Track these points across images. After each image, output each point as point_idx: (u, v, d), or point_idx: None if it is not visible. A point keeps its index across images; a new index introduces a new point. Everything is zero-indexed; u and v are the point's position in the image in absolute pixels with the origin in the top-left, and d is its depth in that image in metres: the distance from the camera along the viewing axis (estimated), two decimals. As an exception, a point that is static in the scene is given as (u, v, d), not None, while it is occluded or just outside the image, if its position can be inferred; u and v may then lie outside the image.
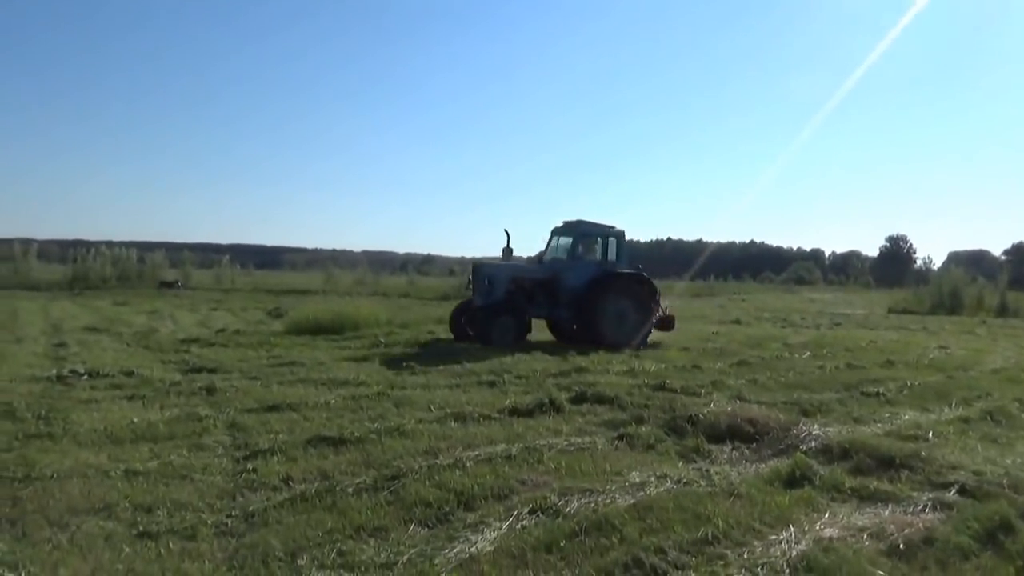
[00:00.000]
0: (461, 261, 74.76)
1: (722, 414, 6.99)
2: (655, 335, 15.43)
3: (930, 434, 6.74)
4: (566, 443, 6.12)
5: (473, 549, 3.86)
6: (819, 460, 5.74)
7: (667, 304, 16.18)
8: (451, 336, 15.01)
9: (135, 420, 6.59)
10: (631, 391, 8.49)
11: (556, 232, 15.53)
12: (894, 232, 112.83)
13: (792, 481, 5.17)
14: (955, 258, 78.24)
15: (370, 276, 44.54)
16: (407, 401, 7.80)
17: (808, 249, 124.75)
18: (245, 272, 49.74)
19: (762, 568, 3.65)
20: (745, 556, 3.82)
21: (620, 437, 6.39)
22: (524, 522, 4.28)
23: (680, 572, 3.65)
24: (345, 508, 4.46)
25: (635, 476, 5.21)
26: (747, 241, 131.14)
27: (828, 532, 4.18)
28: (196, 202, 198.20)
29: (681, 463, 5.74)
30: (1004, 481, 5.15)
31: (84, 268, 35.89)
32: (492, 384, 9.08)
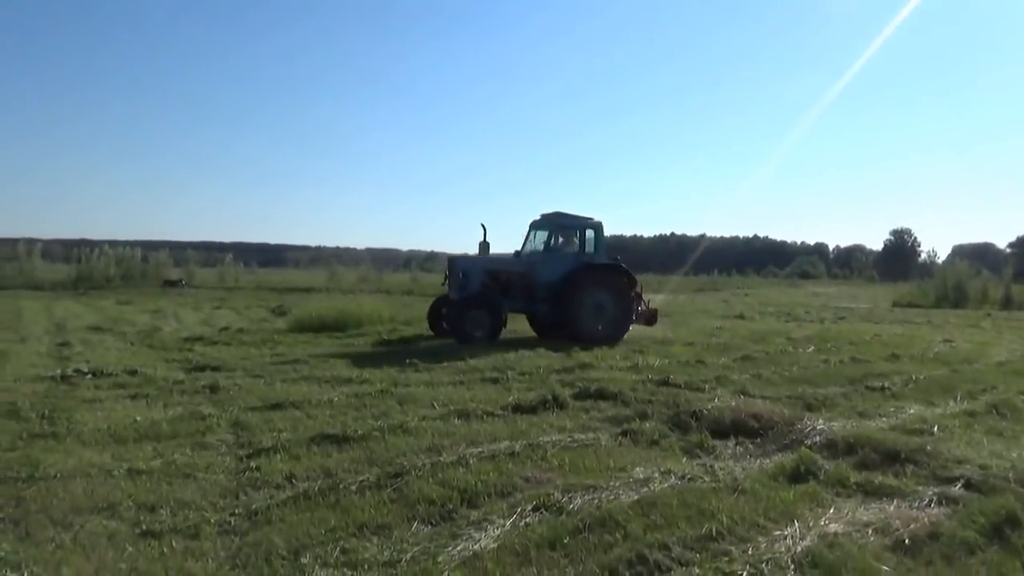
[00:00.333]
0: (464, 258, 74.51)
1: (726, 409, 6.96)
2: (637, 330, 15.30)
3: (935, 428, 6.71)
4: (570, 439, 6.10)
5: (477, 546, 3.85)
6: (823, 455, 5.72)
7: (649, 298, 16.15)
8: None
9: (138, 419, 6.60)
10: (635, 387, 8.47)
11: (534, 225, 15.29)
12: (898, 226, 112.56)
13: (796, 476, 5.16)
14: (959, 251, 78.07)
15: (373, 273, 44.62)
16: (410, 398, 7.79)
17: (812, 243, 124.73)
18: (248, 270, 49.77)
19: (767, 564, 3.63)
20: (749, 552, 3.80)
21: (624, 433, 6.37)
22: (528, 519, 4.27)
23: (684, 569, 3.63)
24: (348, 506, 4.45)
25: (639, 472, 5.19)
26: (751, 236, 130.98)
27: (833, 527, 4.16)
28: (199, 201, 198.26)
29: (685, 459, 5.72)
30: (1010, 475, 5.11)
31: (88, 267, 35.99)
32: (495, 381, 9.07)
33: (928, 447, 5.78)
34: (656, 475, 5.12)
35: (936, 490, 4.86)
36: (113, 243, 39.51)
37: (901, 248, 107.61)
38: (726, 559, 3.72)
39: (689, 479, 5.09)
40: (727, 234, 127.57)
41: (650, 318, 15.56)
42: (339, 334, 14.86)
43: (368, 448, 5.75)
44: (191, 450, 5.70)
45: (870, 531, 4.13)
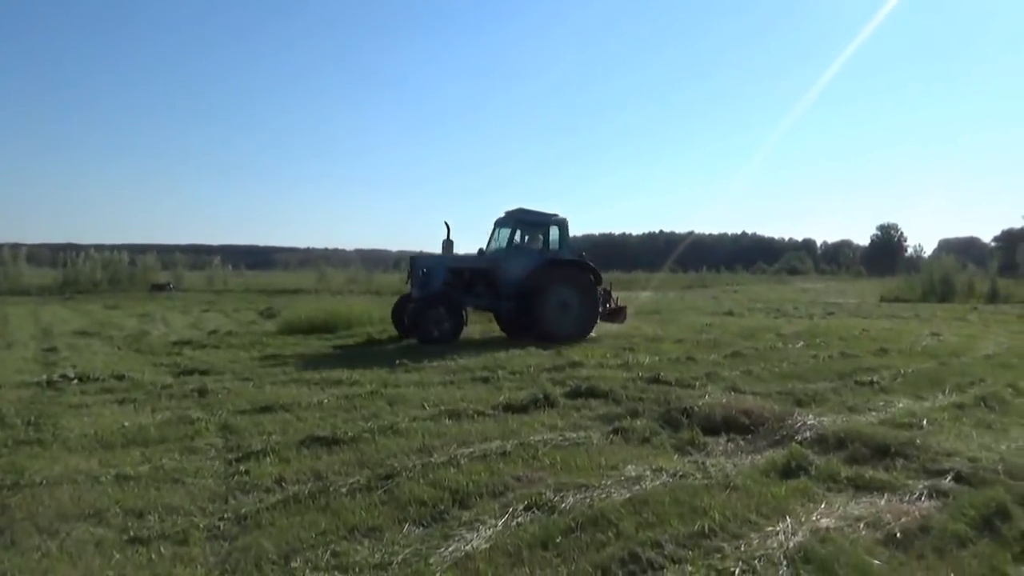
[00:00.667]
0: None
1: (717, 406, 6.97)
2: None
3: (924, 421, 6.74)
4: (561, 438, 6.09)
5: (468, 547, 3.83)
6: (814, 450, 5.73)
7: (618, 295, 16.12)
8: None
9: (126, 424, 6.53)
10: (625, 384, 8.47)
11: (498, 223, 15.11)
12: (885, 221, 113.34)
13: (788, 472, 5.16)
14: (945, 245, 78.85)
15: (363, 274, 44.42)
16: (400, 399, 7.76)
17: (800, 239, 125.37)
18: (237, 273, 49.54)
19: (759, 560, 3.63)
20: (742, 548, 3.80)
21: (615, 431, 6.36)
22: (519, 519, 4.25)
23: (677, 566, 3.63)
24: (339, 508, 4.42)
25: (630, 470, 5.18)
26: (739, 232, 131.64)
27: (825, 522, 4.16)
28: (187, 203, 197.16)
29: (676, 456, 5.72)
30: (999, 467, 5.15)
31: (74, 272, 35.72)
32: (486, 380, 9.05)
33: (918, 441, 5.80)
34: (648, 473, 5.12)
35: (926, 483, 4.89)
36: (100, 247, 39.34)
37: (888, 243, 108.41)
38: (719, 556, 3.72)
39: (681, 476, 5.08)
40: (715, 231, 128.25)
41: (618, 315, 15.47)
42: (328, 335, 14.80)
43: (358, 450, 5.72)
44: (179, 455, 5.64)
45: (862, 525, 4.14)
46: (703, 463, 5.48)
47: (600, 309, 15.14)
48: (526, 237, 14.82)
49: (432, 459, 5.38)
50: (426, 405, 7.41)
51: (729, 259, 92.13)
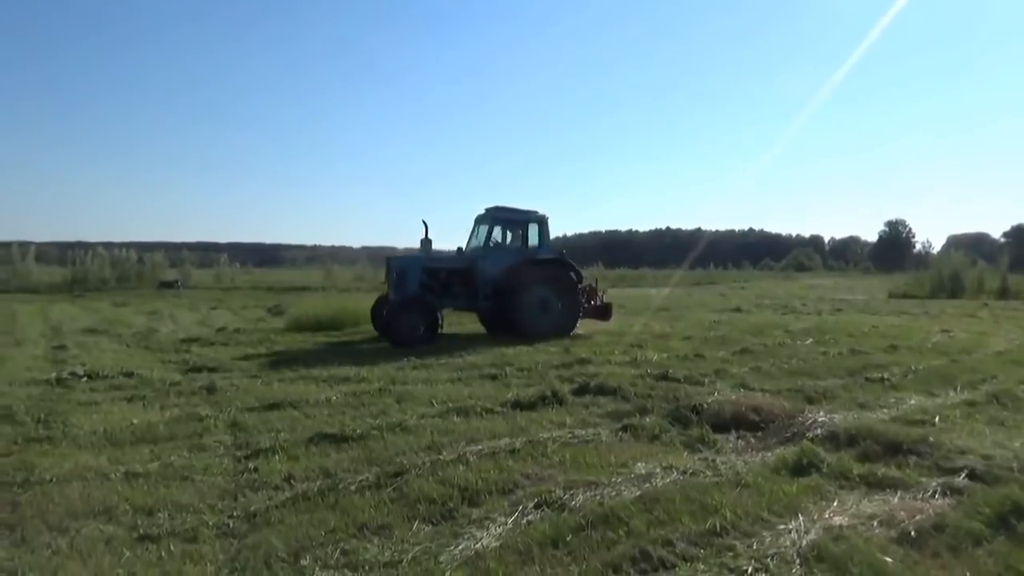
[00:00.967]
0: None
1: (726, 403, 6.93)
2: (592, 325, 15.17)
3: (936, 419, 6.68)
4: (570, 436, 6.06)
5: (478, 545, 3.81)
6: (825, 447, 5.68)
7: (604, 291, 16.01)
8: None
9: (135, 421, 6.54)
10: (634, 381, 8.43)
11: (478, 220, 14.86)
12: (893, 217, 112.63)
13: (799, 469, 5.12)
14: (955, 241, 78.08)
15: (370, 272, 44.47)
16: (409, 396, 7.75)
17: (807, 236, 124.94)
18: (244, 270, 49.78)
19: (772, 559, 3.60)
20: (754, 547, 3.76)
21: (624, 428, 6.33)
22: (529, 517, 4.23)
23: (689, 564, 3.59)
24: (348, 506, 4.40)
25: (640, 468, 5.15)
26: (746, 229, 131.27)
27: (837, 520, 4.12)
28: (194, 202, 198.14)
29: (686, 453, 5.68)
30: (1014, 465, 5.09)
31: (83, 270, 35.96)
32: (494, 377, 9.03)
33: (930, 438, 5.74)
34: (658, 470, 5.08)
35: (940, 481, 4.83)
36: (108, 245, 39.58)
37: (896, 239, 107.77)
38: (731, 554, 3.69)
39: (691, 474, 5.05)
40: (723, 228, 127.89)
41: (604, 312, 15.35)
42: (336, 333, 14.82)
43: (367, 447, 5.70)
44: (188, 452, 5.64)
45: (875, 523, 4.09)
46: (713, 460, 5.44)
47: (585, 306, 15.04)
48: (505, 235, 14.61)
49: (441, 457, 5.36)
50: (434, 402, 7.40)
51: (736, 255, 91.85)
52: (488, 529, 4.04)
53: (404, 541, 3.90)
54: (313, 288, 34.97)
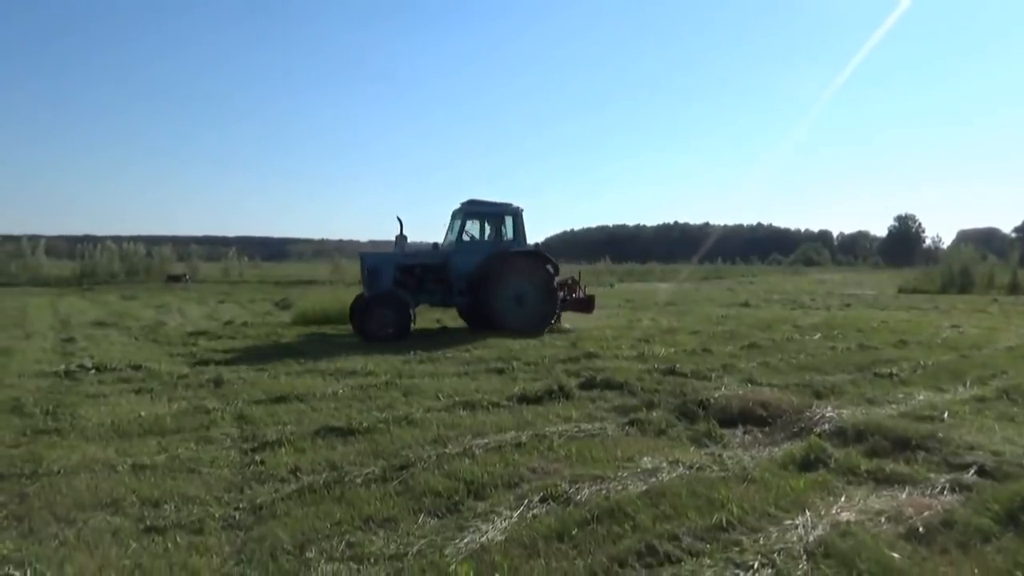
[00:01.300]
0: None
1: (734, 398, 6.91)
2: (575, 319, 15.08)
3: (946, 414, 6.63)
4: (576, 430, 6.05)
5: (484, 539, 3.80)
6: (833, 443, 5.64)
7: (586, 284, 15.89)
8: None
9: (142, 414, 6.57)
10: (641, 376, 8.41)
11: (454, 214, 14.64)
12: (903, 211, 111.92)
13: (807, 464, 5.09)
14: (965, 236, 77.50)
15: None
16: (415, 390, 7.75)
17: (816, 230, 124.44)
18: (252, 264, 49.82)
19: (779, 554, 3.58)
20: (761, 542, 3.74)
21: (631, 423, 6.32)
22: (535, 511, 4.22)
23: (695, 559, 3.58)
24: (354, 499, 4.40)
25: (647, 462, 5.14)
26: (754, 223, 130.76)
27: (845, 516, 4.10)
28: (202, 196, 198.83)
29: (693, 448, 5.66)
30: (1023, 461, 5.05)
31: (92, 263, 36.10)
32: (500, 371, 9.03)
33: (939, 434, 5.70)
34: (664, 465, 5.07)
35: (948, 477, 4.79)
36: (117, 239, 39.67)
37: (906, 234, 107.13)
38: (737, 549, 3.67)
39: (698, 469, 5.03)
40: (731, 222, 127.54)
41: (587, 305, 15.21)
42: (343, 326, 14.81)
43: (373, 440, 5.71)
44: (195, 444, 5.66)
45: (883, 519, 4.06)
46: (720, 455, 5.42)
47: (568, 298, 14.95)
48: (483, 229, 14.46)
49: (447, 450, 5.36)
50: (441, 396, 7.40)
51: (745, 250, 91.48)
52: (493, 523, 4.03)
53: (409, 534, 3.90)
54: (320, 282, 35.04)
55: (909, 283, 34.71)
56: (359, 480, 4.73)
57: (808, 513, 4.13)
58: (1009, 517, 4.06)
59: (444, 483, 4.66)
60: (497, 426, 6.16)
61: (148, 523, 4.03)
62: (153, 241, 44.64)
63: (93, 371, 8.80)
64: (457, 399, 7.16)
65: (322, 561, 3.55)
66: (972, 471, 4.92)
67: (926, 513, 4.12)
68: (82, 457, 5.22)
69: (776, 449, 5.63)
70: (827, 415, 6.35)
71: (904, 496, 4.49)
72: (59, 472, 4.86)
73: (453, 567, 3.46)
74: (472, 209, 14.33)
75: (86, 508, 4.26)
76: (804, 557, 3.56)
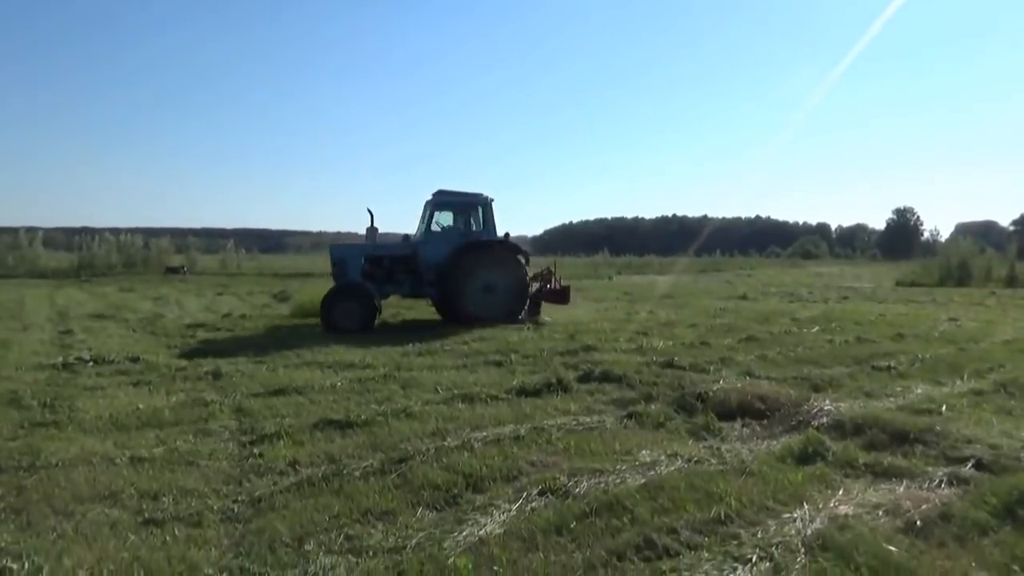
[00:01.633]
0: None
1: (732, 391, 6.91)
2: (553, 311, 14.99)
3: (943, 408, 6.64)
4: (574, 423, 6.05)
5: (482, 532, 3.81)
6: (831, 436, 5.66)
7: (561, 275, 15.79)
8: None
9: (140, 406, 6.56)
10: (639, 369, 8.41)
11: (425, 205, 14.52)
12: (901, 204, 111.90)
13: (804, 458, 5.10)
14: (963, 229, 77.53)
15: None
16: (413, 383, 7.75)
17: (814, 223, 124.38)
18: (250, 256, 49.73)
19: (777, 547, 3.58)
20: (759, 535, 3.75)
21: (629, 416, 6.32)
22: (533, 504, 4.23)
23: (693, 552, 3.58)
24: (352, 492, 4.41)
25: (645, 455, 5.14)
26: (752, 216, 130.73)
27: (843, 509, 4.10)
28: (200, 188, 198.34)
29: (691, 441, 5.67)
30: (1021, 454, 5.06)
31: (90, 255, 36.01)
32: (499, 364, 9.02)
33: (937, 427, 5.71)
34: (663, 458, 5.07)
35: (946, 470, 4.81)
36: (114, 230, 39.50)
37: (904, 227, 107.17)
38: (735, 543, 3.67)
39: (696, 462, 5.03)
40: (729, 215, 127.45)
41: (562, 296, 15.13)
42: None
43: (372, 433, 5.71)
44: (193, 437, 5.66)
45: (881, 513, 4.07)
46: (718, 448, 5.43)
47: (542, 290, 14.91)
48: (454, 219, 14.37)
49: (445, 443, 5.36)
50: (439, 389, 7.40)
51: (743, 243, 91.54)
52: (492, 516, 4.03)
53: (408, 527, 3.90)
54: (318, 274, 34.93)
55: (907, 276, 34.68)
56: (357, 473, 4.73)
57: (806, 506, 4.14)
58: (1006, 510, 4.08)
59: (443, 476, 4.66)
60: (495, 419, 6.16)
61: (146, 516, 4.04)
62: (151, 233, 44.61)
63: (91, 363, 8.79)
64: (455, 392, 7.16)
65: (321, 554, 3.55)
66: (970, 464, 4.93)
67: (924, 506, 4.13)
68: (80, 450, 5.22)
69: (774, 442, 5.63)
70: (825, 408, 6.37)
71: (902, 489, 4.50)
72: (57, 465, 4.86)
73: (452, 560, 3.46)
74: (441, 199, 14.24)
75: (84, 501, 4.26)
76: (802, 550, 3.57)
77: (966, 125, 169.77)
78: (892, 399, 7.17)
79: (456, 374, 8.33)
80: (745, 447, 5.50)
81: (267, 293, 22.60)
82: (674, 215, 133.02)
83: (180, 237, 48.45)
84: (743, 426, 6.17)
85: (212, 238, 62.40)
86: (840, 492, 4.42)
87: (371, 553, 3.57)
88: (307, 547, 3.63)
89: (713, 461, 5.08)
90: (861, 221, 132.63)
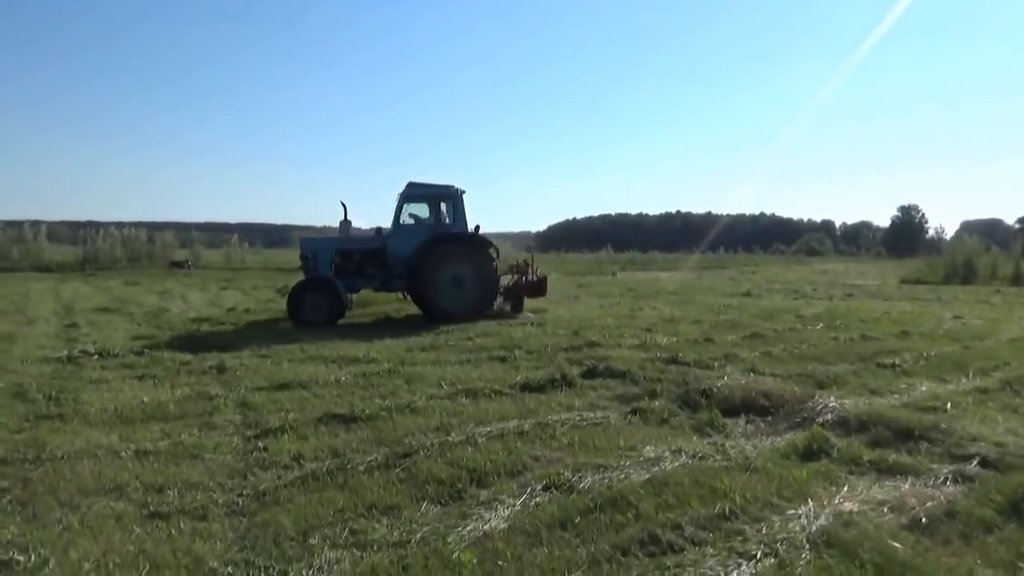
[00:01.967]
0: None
1: (736, 387, 6.90)
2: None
3: (948, 405, 6.62)
4: (579, 418, 6.05)
5: (487, 526, 3.81)
6: (836, 433, 5.64)
7: (539, 267, 15.67)
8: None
9: (145, 400, 6.58)
10: (643, 365, 8.40)
11: (398, 198, 14.26)
12: (906, 202, 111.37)
13: (809, 454, 5.09)
14: (968, 227, 77.25)
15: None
16: (418, 377, 7.76)
17: (819, 220, 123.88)
18: (254, 251, 49.82)
19: (781, 544, 3.58)
20: (763, 532, 3.75)
21: (633, 412, 6.32)
22: (538, 499, 4.23)
23: (697, 548, 3.58)
24: (357, 486, 4.42)
25: (649, 451, 5.14)
26: (757, 213, 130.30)
27: (848, 506, 4.10)
28: (204, 182, 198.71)
29: (696, 437, 5.67)
30: (1026, 452, 5.05)
31: (94, 249, 36.02)
32: (503, 359, 9.02)
33: (942, 424, 5.70)
34: (667, 454, 5.07)
35: (951, 468, 4.80)
36: (119, 224, 39.56)
37: (909, 224, 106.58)
38: (740, 539, 3.67)
39: (700, 458, 5.03)
40: (734, 212, 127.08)
41: (539, 288, 15.03)
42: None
43: (376, 428, 5.72)
44: (198, 431, 5.68)
45: (885, 509, 4.07)
46: (723, 445, 5.42)
47: (517, 283, 14.84)
48: (427, 212, 14.25)
49: (450, 438, 5.37)
50: (443, 384, 7.41)
51: (747, 240, 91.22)
52: (496, 511, 4.04)
53: (412, 522, 3.91)
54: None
55: (912, 274, 34.59)
56: (362, 467, 4.74)
57: (811, 503, 4.14)
58: (1011, 508, 4.07)
59: (447, 471, 4.67)
60: (500, 414, 6.16)
61: (151, 509, 4.06)
62: (155, 227, 44.63)
63: (96, 357, 8.82)
64: (459, 387, 7.17)
65: (325, 548, 3.56)
66: (975, 462, 4.92)
67: (928, 503, 4.13)
68: (85, 443, 5.24)
69: (779, 439, 5.63)
70: (830, 405, 6.35)
71: (907, 486, 4.49)
72: (62, 458, 4.89)
73: (456, 555, 3.47)
74: (412, 192, 14.10)
75: (89, 494, 4.28)
76: (807, 547, 3.56)
77: (971, 122, 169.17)
78: (897, 396, 7.15)
79: (460, 369, 8.33)
80: (749, 443, 5.50)
81: (271, 287, 22.61)
82: (678, 211, 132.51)
83: (184, 231, 48.46)
84: (747, 422, 6.16)
85: (216, 232, 62.37)
86: (845, 489, 4.42)
87: (375, 547, 3.58)
88: (311, 541, 3.65)
89: (717, 457, 5.08)
90: (866, 218, 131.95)
